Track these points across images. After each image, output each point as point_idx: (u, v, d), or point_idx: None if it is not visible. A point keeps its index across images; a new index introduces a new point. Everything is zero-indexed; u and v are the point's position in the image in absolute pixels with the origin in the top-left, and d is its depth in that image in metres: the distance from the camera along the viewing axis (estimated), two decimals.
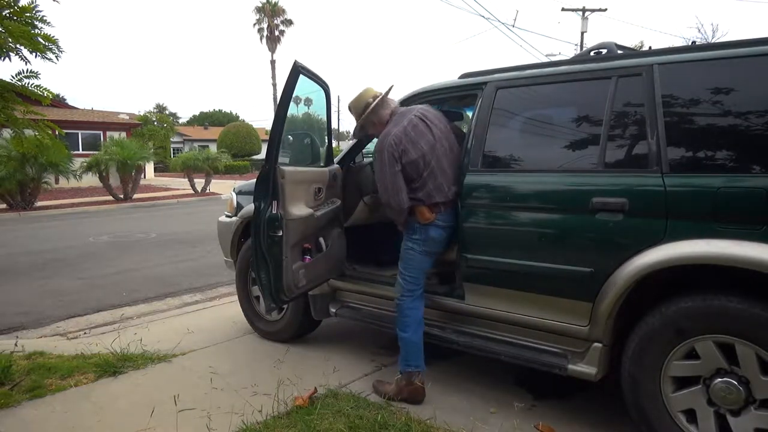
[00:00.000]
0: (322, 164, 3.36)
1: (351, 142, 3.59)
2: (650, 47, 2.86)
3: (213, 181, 18.72)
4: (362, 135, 3.17)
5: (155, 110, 42.62)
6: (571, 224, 2.41)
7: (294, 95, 2.90)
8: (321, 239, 3.20)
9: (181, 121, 53.74)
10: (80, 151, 19.84)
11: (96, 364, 3.25)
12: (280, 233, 2.79)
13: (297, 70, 2.85)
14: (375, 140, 3.10)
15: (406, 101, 3.23)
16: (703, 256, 2.05)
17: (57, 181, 16.20)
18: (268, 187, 2.80)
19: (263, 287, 2.94)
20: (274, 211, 2.79)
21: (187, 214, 13.05)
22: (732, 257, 1.98)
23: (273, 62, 38.36)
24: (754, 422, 2.00)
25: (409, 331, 2.79)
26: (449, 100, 3.39)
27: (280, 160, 2.87)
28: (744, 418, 2.02)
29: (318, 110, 3.43)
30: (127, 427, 2.56)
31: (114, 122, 23.65)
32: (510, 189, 2.64)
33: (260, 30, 37.92)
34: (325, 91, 3.29)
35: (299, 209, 2.94)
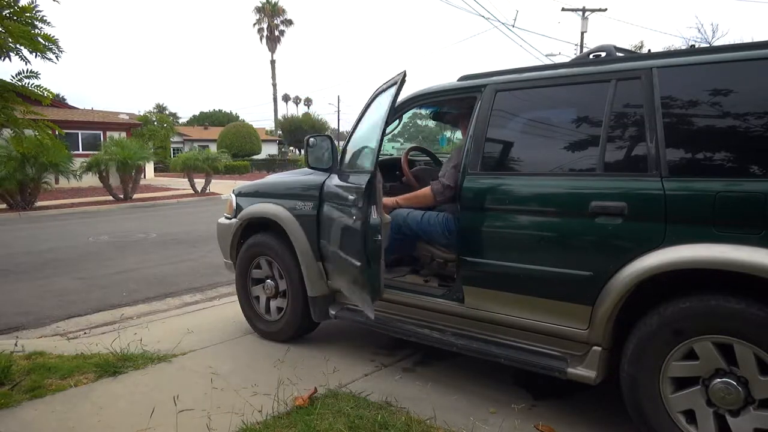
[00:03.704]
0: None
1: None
2: (649, 50, 2.86)
3: (213, 181, 18.70)
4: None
5: (155, 110, 42.61)
6: (571, 228, 2.41)
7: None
8: None
9: (181, 121, 53.80)
10: (80, 151, 19.79)
11: (96, 364, 3.26)
12: (380, 237, 2.78)
13: (404, 79, 2.77)
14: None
15: (404, 104, 3.22)
16: (702, 260, 2.05)
17: (57, 181, 16.15)
18: (371, 192, 2.77)
19: (357, 289, 2.91)
20: (374, 216, 2.79)
21: (187, 214, 13.05)
22: (731, 262, 1.98)
23: (273, 62, 38.43)
24: (753, 422, 2.01)
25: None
26: (448, 102, 3.39)
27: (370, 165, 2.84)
28: (743, 418, 2.02)
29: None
30: (127, 427, 2.56)
31: (114, 122, 23.61)
32: (509, 192, 2.65)
33: (260, 30, 38.02)
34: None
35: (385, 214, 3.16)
